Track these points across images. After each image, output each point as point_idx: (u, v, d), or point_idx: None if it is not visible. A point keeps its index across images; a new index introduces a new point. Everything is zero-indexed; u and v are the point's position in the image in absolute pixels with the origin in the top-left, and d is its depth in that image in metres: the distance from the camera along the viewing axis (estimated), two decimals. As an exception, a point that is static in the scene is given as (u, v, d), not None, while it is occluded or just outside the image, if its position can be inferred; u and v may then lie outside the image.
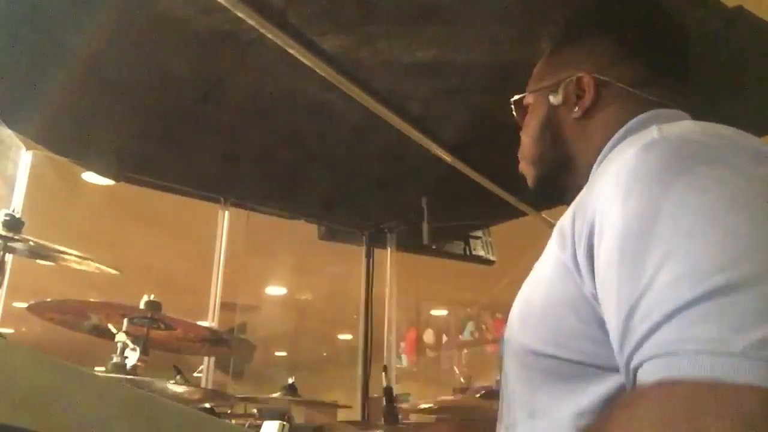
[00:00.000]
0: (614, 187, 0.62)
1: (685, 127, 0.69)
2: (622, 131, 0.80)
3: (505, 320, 0.79)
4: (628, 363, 0.56)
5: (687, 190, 0.57)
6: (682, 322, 0.51)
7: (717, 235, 0.54)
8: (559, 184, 0.89)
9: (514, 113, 0.96)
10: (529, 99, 0.92)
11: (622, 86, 0.82)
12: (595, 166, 0.82)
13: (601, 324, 0.62)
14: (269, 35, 1.54)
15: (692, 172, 0.59)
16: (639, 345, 0.54)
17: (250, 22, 1.49)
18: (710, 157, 0.61)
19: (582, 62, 0.86)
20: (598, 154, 0.82)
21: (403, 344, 6.99)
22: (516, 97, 0.94)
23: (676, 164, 0.60)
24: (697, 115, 0.80)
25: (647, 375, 0.52)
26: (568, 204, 0.74)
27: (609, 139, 0.80)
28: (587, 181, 0.82)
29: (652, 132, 0.66)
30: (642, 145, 0.64)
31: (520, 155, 0.94)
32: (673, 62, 0.85)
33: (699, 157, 0.61)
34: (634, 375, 0.54)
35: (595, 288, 0.62)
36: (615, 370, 0.62)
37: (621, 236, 0.58)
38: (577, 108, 0.84)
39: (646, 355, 0.53)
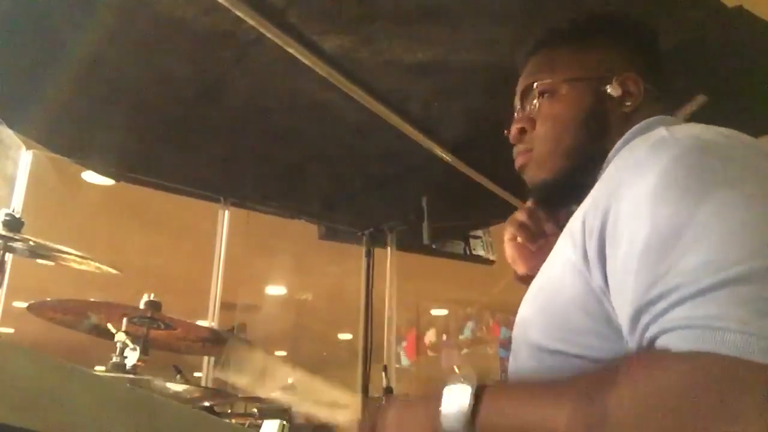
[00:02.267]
0: (627, 184, 0.64)
1: (691, 127, 0.70)
2: (628, 135, 0.80)
3: (505, 320, 0.80)
4: (642, 335, 0.57)
5: (700, 187, 0.59)
6: (707, 301, 0.53)
7: (735, 227, 0.56)
8: (582, 181, 0.83)
9: (519, 104, 0.90)
10: (561, 88, 0.86)
11: (657, 93, 0.84)
12: (604, 166, 0.81)
13: (608, 319, 0.64)
14: (269, 35, 1.54)
15: (705, 169, 0.61)
16: (657, 317, 0.55)
17: (250, 22, 1.49)
18: (721, 154, 0.63)
19: (623, 63, 0.85)
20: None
21: (404, 344, 6.99)
22: (541, 82, 0.87)
23: (689, 160, 0.62)
24: (697, 114, 0.80)
25: (672, 344, 0.53)
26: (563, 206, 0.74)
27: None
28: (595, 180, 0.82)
29: (661, 131, 0.67)
30: (653, 142, 0.66)
31: (535, 146, 0.86)
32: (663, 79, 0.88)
33: (711, 154, 0.63)
34: (650, 344, 0.55)
35: (603, 281, 0.64)
36: None
37: (637, 230, 0.60)
38: (629, 103, 0.82)
39: (669, 325, 0.54)
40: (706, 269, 0.54)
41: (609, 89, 0.83)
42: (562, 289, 0.70)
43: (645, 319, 0.56)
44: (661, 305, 0.55)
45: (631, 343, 0.59)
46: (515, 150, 0.90)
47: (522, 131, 0.88)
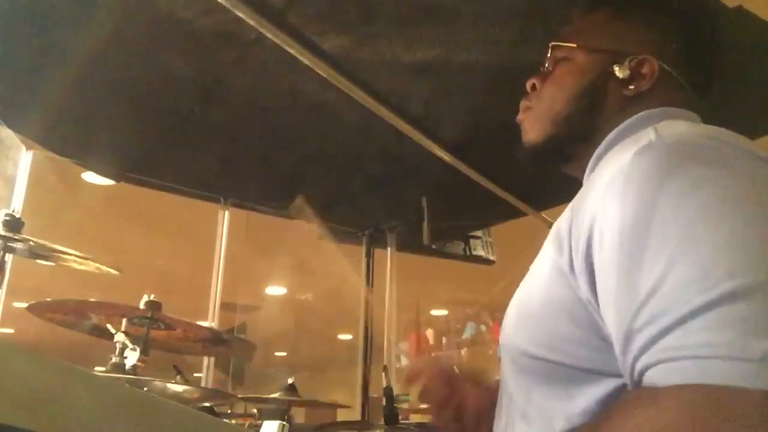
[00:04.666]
0: (611, 192, 0.62)
1: (681, 128, 0.69)
2: (621, 128, 0.79)
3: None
4: (633, 365, 0.55)
5: (684, 193, 0.57)
6: (694, 326, 0.50)
7: (721, 239, 0.53)
8: (567, 152, 0.85)
9: (546, 60, 0.89)
10: (577, 54, 0.86)
11: (682, 83, 0.82)
12: (593, 160, 0.81)
13: (597, 329, 0.62)
14: (269, 35, 1.54)
15: (688, 175, 0.58)
16: (646, 347, 0.53)
17: (250, 22, 1.49)
18: (706, 158, 0.60)
19: (648, 43, 0.83)
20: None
21: (404, 344, 6.99)
22: (559, 43, 0.87)
23: (672, 167, 0.60)
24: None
25: (659, 378, 0.51)
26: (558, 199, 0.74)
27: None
28: (588, 167, 0.82)
29: (649, 134, 0.66)
30: (638, 149, 0.64)
31: (534, 105, 0.88)
32: (710, 75, 0.86)
33: (695, 158, 0.60)
34: (640, 377, 0.54)
35: (591, 293, 0.62)
36: (608, 374, 0.62)
37: (620, 241, 0.58)
38: (632, 87, 0.81)
39: (656, 358, 0.52)
40: (688, 290, 0.51)
41: (616, 69, 0.81)
42: (550, 294, 0.68)
43: (634, 347, 0.55)
44: (646, 335, 0.53)
45: (623, 366, 0.57)
46: (521, 103, 0.91)
47: (533, 87, 0.90)
